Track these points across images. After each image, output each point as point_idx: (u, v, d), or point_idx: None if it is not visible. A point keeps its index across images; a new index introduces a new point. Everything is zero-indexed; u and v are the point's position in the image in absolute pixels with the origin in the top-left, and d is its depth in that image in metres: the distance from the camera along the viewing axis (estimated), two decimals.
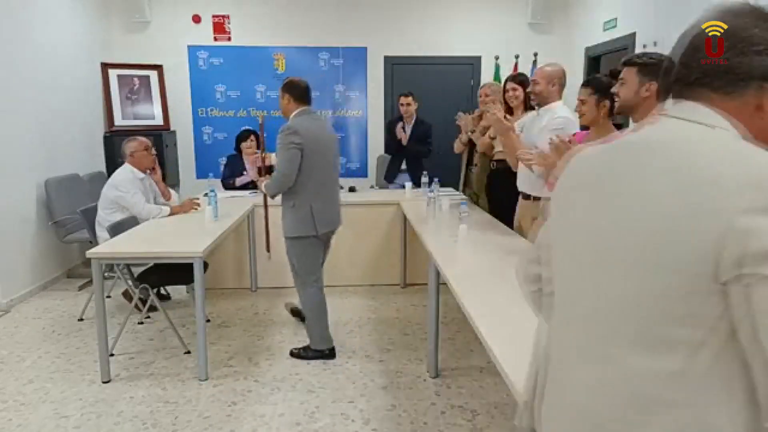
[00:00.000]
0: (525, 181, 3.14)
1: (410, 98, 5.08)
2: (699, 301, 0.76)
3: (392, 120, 5.42)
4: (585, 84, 2.58)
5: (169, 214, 3.86)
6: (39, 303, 4.29)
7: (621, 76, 2.16)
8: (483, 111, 3.85)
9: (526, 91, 3.33)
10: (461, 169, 4.53)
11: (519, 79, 3.70)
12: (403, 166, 5.26)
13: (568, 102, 3.02)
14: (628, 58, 2.18)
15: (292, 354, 3.33)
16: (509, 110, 3.73)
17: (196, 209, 4.00)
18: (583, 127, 2.70)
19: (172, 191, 4.37)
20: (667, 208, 0.78)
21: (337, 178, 3.42)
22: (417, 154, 5.15)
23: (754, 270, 0.70)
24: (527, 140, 3.14)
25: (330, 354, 3.31)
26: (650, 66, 2.09)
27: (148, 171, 4.06)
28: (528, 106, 3.50)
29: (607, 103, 2.49)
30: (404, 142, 5.12)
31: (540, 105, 3.14)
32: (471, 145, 4.22)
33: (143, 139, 4.06)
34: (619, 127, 2.73)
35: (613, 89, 2.21)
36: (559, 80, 3.04)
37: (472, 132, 4.09)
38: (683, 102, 0.89)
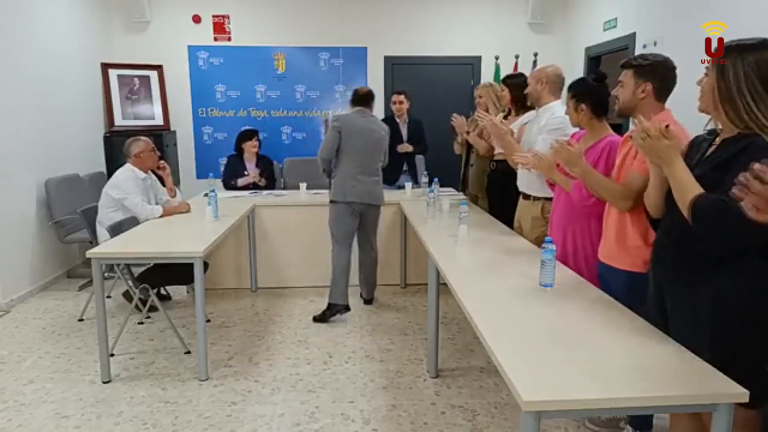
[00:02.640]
0: (525, 181, 3.14)
1: (402, 96, 4.94)
2: None
3: (384, 119, 5.38)
4: (568, 88, 2.61)
5: (161, 215, 3.82)
6: (39, 303, 4.30)
7: (620, 78, 2.21)
8: (478, 114, 3.84)
9: (524, 92, 3.32)
10: (461, 169, 4.52)
11: (508, 80, 3.68)
12: (405, 167, 5.22)
13: None
14: (625, 60, 2.22)
15: (314, 320, 3.85)
16: (509, 110, 3.73)
17: (184, 211, 3.97)
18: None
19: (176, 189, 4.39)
20: None
21: (374, 165, 3.95)
22: (416, 153, 5.12)
23: None
24: (528, 140, 3.14)
25: (346, 309, 3.89)
26: (645, 67, 2.13)
27: (151, 171, 4.07)
28: (525, 106, 3.49)
29: (584, 107, 2.50)
30: (409, 149, 4.95)
31: (535, 105, 3.15)
32: (469, 145, 4.21)
33: (147, 139, 4.07)
34: (618, 127, 2.73)
35: (613, 92, 2.25)
36: (548, 79, 3.04)
37: (469, 133, 4.08)
38: None
